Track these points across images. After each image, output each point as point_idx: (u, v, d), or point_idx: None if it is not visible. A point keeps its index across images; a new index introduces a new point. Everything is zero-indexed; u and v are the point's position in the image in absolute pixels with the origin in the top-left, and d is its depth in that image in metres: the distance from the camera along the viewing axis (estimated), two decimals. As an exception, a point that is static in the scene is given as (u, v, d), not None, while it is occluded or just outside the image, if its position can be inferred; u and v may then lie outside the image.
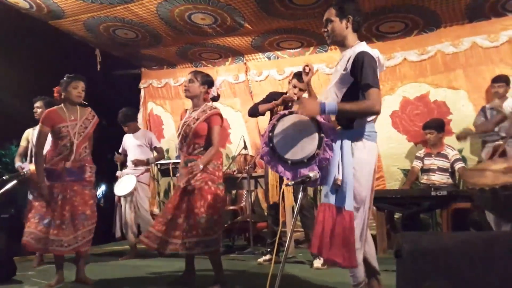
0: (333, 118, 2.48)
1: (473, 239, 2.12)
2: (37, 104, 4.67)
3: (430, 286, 1.88)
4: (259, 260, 4.40)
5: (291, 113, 2.50)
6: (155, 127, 7.14)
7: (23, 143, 4.84)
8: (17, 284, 3.75)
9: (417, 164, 5.19)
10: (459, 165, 4.90)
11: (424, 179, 5.05)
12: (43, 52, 5.58)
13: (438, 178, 4.92)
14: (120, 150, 5.35)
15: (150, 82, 7.29)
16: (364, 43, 2.51)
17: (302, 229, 4.60)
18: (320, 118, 2.42)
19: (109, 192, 6.82)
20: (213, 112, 3.43)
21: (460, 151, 5.18)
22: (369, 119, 2.44)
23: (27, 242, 3.49)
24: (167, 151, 6.81)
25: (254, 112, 4.41)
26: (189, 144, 3.43)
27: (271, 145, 2.47)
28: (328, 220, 2.32)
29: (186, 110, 3.88)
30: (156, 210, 6.66)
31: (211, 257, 3.40)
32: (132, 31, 5.80)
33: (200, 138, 3.40)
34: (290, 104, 4.10)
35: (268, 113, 4.39)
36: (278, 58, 6.58)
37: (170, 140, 6.94)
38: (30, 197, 4.49)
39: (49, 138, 3.76)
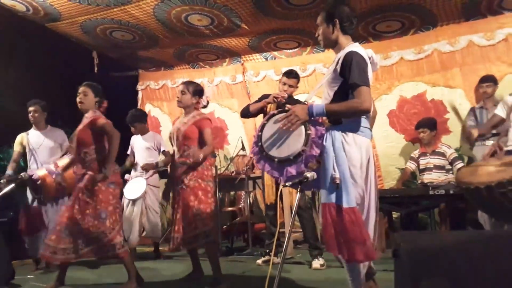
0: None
1: (471, 238, 2.12)
2: (33, 107, 4.65)
3: (428, 285, 1.88)
4: (258, 261, 4.41)
5: (280, 112, 2.50)
6: (153, 129, 7.10)
7: (16, 148, 4.72)
8: (16, 288, 3.74)
9: (410, 165, 5.21)
10: (459, 165, 4.91)
11: (421, 178, 5.06)
12: (40, 55, 5.57)
13: (436, 176, 4.93)
14: (128, 152, 5.33)
15: (148, 84, 7.29)
16: (356, 43, 2.53)
17: (301, 230, 4.60)
18: None
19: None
20: (202, 116, 3.68)
21: (457, 150, 5.20)
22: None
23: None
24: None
25: (245, 112, 4.43)
26: (179, 146, 3.63)
27: (259, 144, 2.47)
28: (335, 220, 2.32)
29: (178, 117, 3.96)
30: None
31: (209, 252, 3.56)
32: (129, 33, 5.80)
33: (190, 140, 3.58)
34: (278, 99, 4.14)
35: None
36: (275, 58, 6.58)
37: (168, 142, 6.92)
38: (32, 202, 4.50)
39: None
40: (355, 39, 2.63)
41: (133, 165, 5.27)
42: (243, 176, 5.06)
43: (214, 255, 3.57)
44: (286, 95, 4.17)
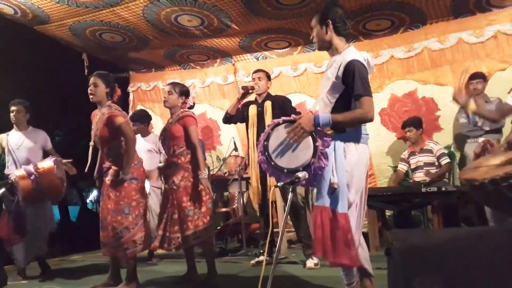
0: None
1: (463, 235, 2.13)
2: (16, 107, 4.48)
3: (421, 283, 1.88)
4: (252, 261, 4.39)
5: (284, 121, 2.53)
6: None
7: None
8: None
9: (402, 167, 5.23)
10: (445, 161, 4.93)
11: (414, 177, 5.07)
12: (30, 57, 5.54)
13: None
14: None
15: (139, 85, 7.25)
16: (352, 47, 2.55)
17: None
18: None
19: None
20: (185, 113, 3.65)
21: (448, 147, 5.22)
22: None
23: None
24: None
25: (225, 117, 4.52)
26: (168, 147, 3.67)
27: (266, 153, 2.51)
28: (326, 223, 2.37)
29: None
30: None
31: (205, 251, 3.65)
32: (119, 34, 5.77)
33: (176, 139, 3.61)
34: (250, 92, 4.35)
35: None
36: (266, 58, 6.58)
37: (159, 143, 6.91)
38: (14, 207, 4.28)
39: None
40: (346, 38, 2.64)
41: None
42: (236, 176, 5.05)
43: (208, 254, 3.64)
44: (255, 86, 4.34)
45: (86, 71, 6.32)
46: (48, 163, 4.12)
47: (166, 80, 7.03)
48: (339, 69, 2.46)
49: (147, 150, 5.04)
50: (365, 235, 2.69)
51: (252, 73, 4.56)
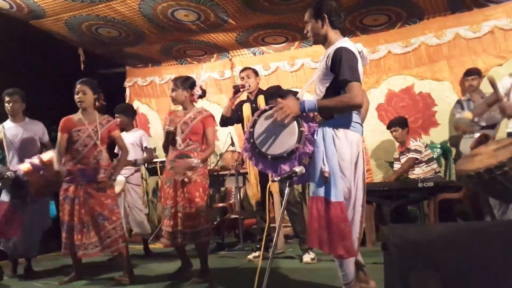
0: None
1: (458, 229, 2.14)
2: (13, 97, 4.29)
3: (417, 277, 1.89)
4: (249, 256, 4.41)
5: (271, 108, 2.49)
6: (141, 126, 7.06)
7: None
8: (4, 288, 3.71)
9: (397, 166, 5.22)
10: (410, 155, 4.95)
11: (410, 175, 5.08)
12: (25, 52, 5.49)
13: (420, 171, 4.97)
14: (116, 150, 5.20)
15: (135, 81, 7.23)
16: (346, 38, 2.54)
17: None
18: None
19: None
20: (207, 114, 3.73)
21: (445, 142, 5.23)
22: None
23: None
24: (154, 149, 6.75)
25: (221, 120, 4.49)
26: (184, 140, 3.63)
27: (251, 140, 2.47)
28: (321, 214, 2.34)
29: (174, 111, 3.91)
30: (145, 210, 6.60)
31: (201, 248, 3.64)
32: (115, 29, 5.74)
33: (195, 135, 3.64)
34: (241, 90, 4.35)
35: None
36: (263, 53, 6.56)
37: (157, 139, 6.88)
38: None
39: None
40: (342, 33, 2.64)
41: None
42: (233, 171, 5.05)
43: (204, 249, 3.68)
44: (246, 84, 4.33)
45: (82, 66, 6.29)
46: (51, 155, 3.99)
47: (163, 75, 7.02)
48: (328, 57, 2.45)
49: (129, 143, 4.73)
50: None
51: (240, 73, 4.57)
